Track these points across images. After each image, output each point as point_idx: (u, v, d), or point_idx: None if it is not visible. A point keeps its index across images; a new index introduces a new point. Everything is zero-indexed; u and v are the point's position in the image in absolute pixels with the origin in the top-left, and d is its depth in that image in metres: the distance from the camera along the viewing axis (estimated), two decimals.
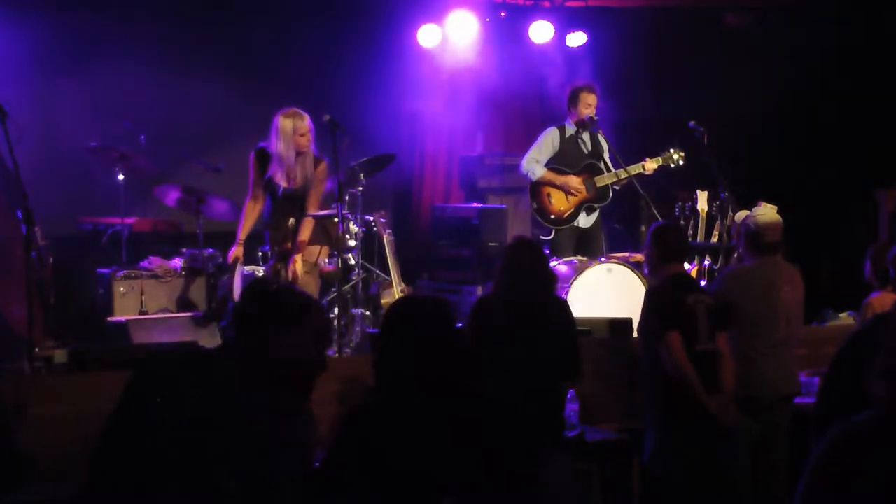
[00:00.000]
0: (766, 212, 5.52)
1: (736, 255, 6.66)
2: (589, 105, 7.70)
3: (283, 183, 6.79)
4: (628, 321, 6.55)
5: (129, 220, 7.74)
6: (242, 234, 6.93)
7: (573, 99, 7.78)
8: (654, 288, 5.37)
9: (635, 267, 7.25)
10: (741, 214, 5.78)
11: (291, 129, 6.67)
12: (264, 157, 6.77)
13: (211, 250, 7.56)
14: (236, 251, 6.91)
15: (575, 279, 7.13)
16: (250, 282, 6.26)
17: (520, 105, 9.90)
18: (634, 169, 7.67)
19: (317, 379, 2.94)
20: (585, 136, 7.86)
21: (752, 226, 5.46)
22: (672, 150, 7.79)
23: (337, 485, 2.95)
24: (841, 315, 7.61)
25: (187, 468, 2.25)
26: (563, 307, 5.26)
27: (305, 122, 6.71)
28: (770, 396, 5.37)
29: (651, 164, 7.71)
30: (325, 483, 2.97)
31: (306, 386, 2.90)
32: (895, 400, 2.29)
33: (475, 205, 8.93)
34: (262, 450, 2.71)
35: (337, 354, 6.62)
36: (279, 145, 6.71)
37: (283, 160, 6.73)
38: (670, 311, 5.13)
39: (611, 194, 7.84)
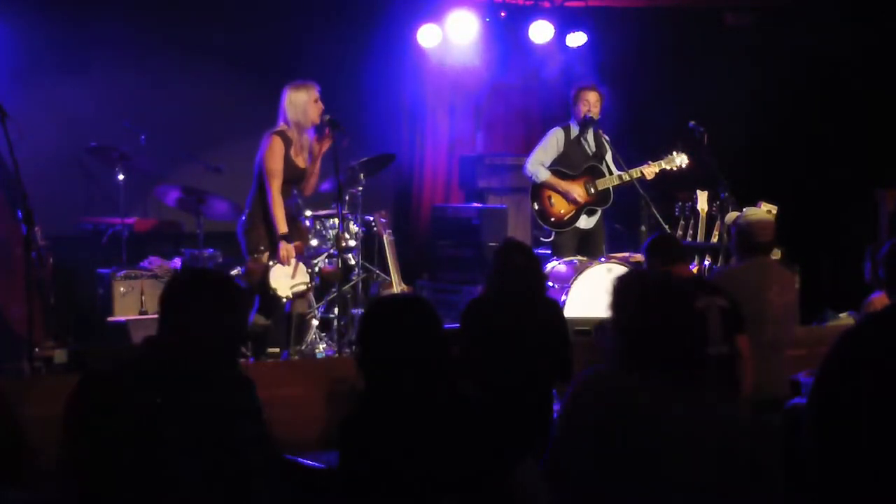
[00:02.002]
0: (757, 211, 5.50)
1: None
2: (588, 102, 7.68)
3: (298, 162, 6.63)
4: None
5: (129, 220, 7.74)
6: (285, 227, 6.54)
7: (575, 98, 7.77)
8: None
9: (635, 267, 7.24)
10: (731, 216, 5.77)
11: (307, 98, 6.56)
12: (286, 139, 6.57)
13: (211, 250, 7.55)
14: (287, 247, 6.50)
15: (575, 279, 7.13)
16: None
17: (520, 105, 9.91)
18: (635, 173, 7.65)
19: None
20: (589, 136, 7.84)
21: (743, 226, 5.43)
22: (675, 153, 7.74)
23: (355, 496, 2.97)
24: (841, 315, 7.61)
25: (152, 461, 2.30)
26: (555, 308, 5.24)
27: (316, 89, 6.61)
28: (754, 399, 5.32)
29: (652, 169, 7.66)
30: (345, 496, 2.99)
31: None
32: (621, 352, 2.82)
33: (475, 205, 8.93)
34: (226, 442, 2.82)
35: (337, 355, 6.62)
36: (297, 117, 6.56)
37: (302, 131, 6.59)
38: None
39: (612, 197, 7.83)
